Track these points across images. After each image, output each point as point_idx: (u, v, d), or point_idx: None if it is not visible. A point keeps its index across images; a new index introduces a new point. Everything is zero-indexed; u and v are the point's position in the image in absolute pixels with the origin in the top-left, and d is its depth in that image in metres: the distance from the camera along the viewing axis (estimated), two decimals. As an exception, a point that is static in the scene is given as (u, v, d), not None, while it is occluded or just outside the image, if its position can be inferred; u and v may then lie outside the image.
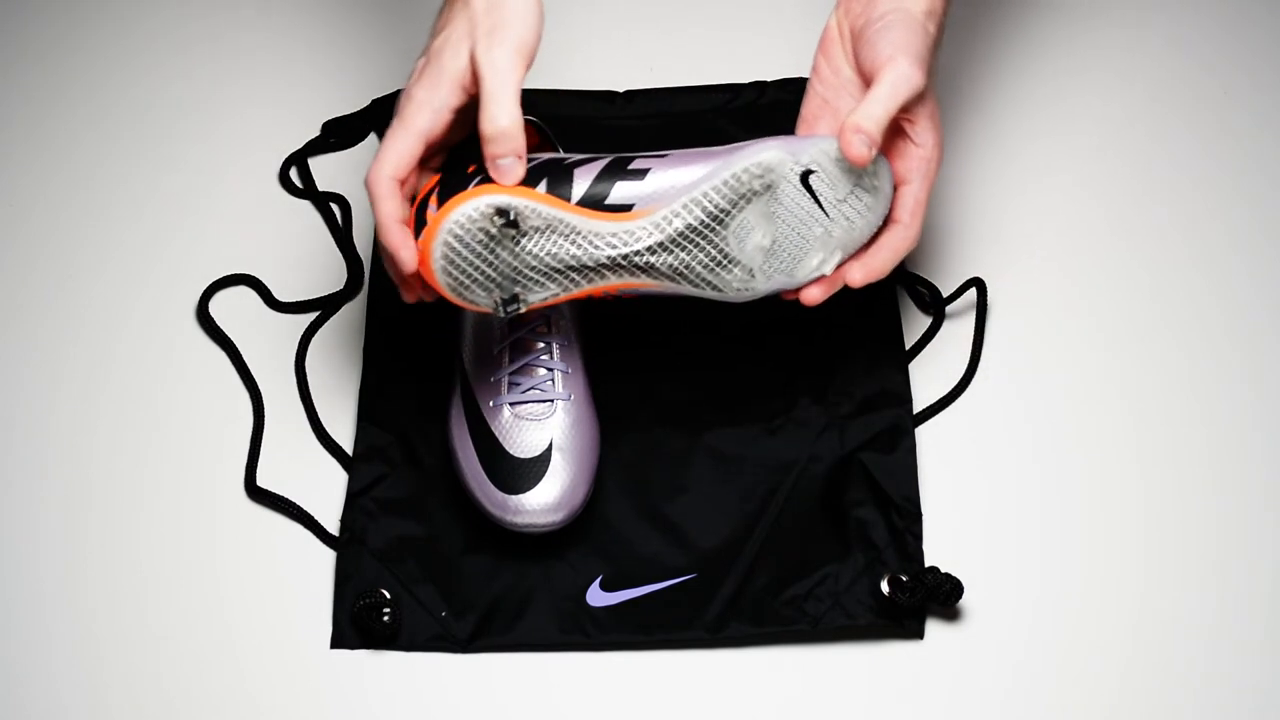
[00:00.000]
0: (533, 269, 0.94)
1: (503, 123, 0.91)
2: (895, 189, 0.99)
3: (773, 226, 0.95)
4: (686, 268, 0.95)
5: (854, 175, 0.96)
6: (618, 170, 0.94)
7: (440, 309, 0.99)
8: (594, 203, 0.94)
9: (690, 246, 0.95)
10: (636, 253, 0.94)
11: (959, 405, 1.08)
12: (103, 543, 1.03)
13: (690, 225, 0.94)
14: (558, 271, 0.94)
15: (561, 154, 0.97)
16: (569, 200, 0.93)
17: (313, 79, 1.24)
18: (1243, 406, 1.08)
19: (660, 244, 0.94)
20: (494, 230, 0.92)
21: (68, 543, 1.03)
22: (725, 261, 0.96)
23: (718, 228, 0.94)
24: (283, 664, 0.99)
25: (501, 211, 0.91)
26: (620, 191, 0.94)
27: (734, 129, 1.20)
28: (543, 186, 0.93)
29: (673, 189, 0.94)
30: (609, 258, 0.94)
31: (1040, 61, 1.24)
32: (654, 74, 1.24)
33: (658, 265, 0.95)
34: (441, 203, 0.93)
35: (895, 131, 0.98)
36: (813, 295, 0.99)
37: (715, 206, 0.94)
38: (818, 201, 0.96)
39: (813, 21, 1.27)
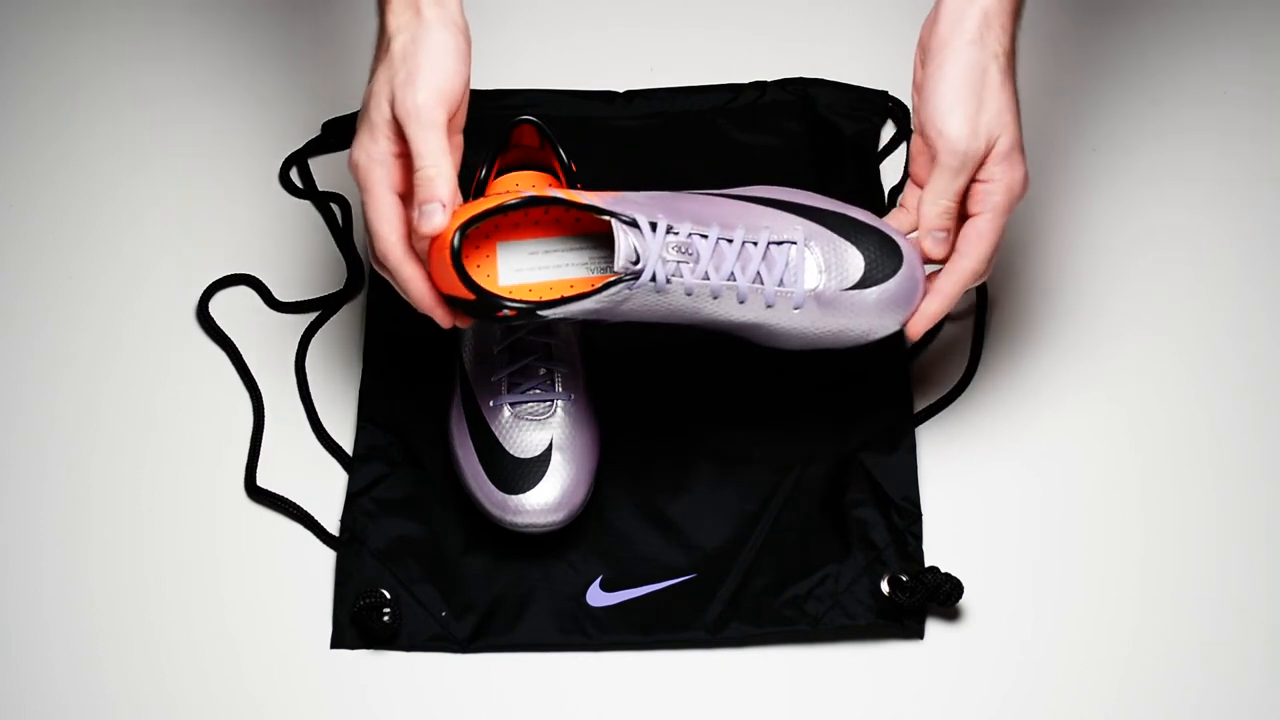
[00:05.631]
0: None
1: (423, 172, 0.91)
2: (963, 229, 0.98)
3: None
4: None
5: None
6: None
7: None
8: None
9: None
10: None
11: (959, 405, 1.08)
12: (103, 542, 1.03)
13: None
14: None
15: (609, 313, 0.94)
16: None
17: (313, 79, 1.24)
18: (1243, 406, 1.08)
19: None
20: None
21: (68, 542, 1.03)
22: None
23: None
24: (283, 664, 0.99)
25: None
26: None
27: (734, 129, 1.20)
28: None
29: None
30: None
31: (1038, 61, 1.23)
32: (654, 74, 1.24)
33: None
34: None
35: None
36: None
37: None
38: None
39: (812, 22, 1.27)
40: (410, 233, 0.93)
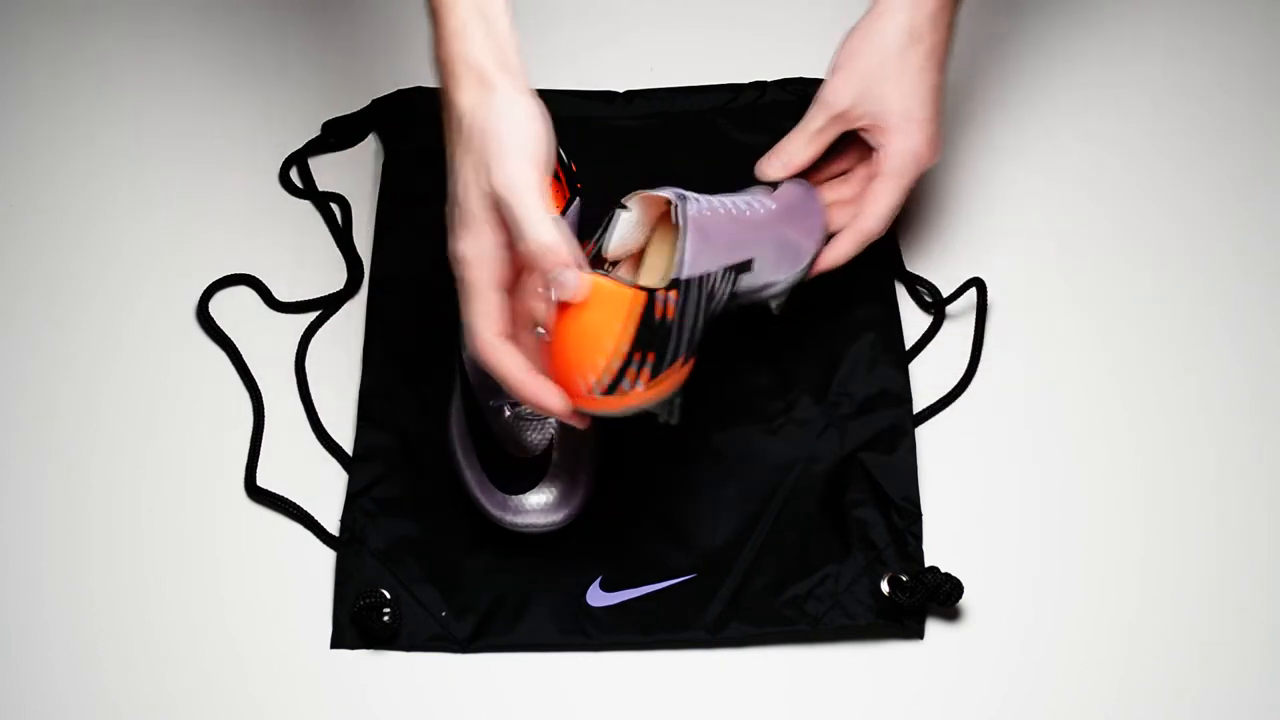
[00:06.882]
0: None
1: (541, 239, 0.86)
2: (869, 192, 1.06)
3: None
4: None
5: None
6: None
7: (439, 308, 0.99)
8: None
9: None
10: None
11: (959, 405, 1.08)
12: (103, 542, 1.03)
13: None
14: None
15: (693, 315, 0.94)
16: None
17: (313, 79, 1.24)
18: (1242, 406, 1.08)
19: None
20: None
21: (68, 542, 1.03)
22: None
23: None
24: (283, 664, 0.99)
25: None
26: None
27: (734, 129, 1.21)
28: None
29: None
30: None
31: (1039, 62, 1.24)
32: (654, 74, 1.24)
33: None
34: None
35: (854, 137, 1.08)
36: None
37: None
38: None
39: (812, 22, 1.27)
40: (507, 326, 0.90)
